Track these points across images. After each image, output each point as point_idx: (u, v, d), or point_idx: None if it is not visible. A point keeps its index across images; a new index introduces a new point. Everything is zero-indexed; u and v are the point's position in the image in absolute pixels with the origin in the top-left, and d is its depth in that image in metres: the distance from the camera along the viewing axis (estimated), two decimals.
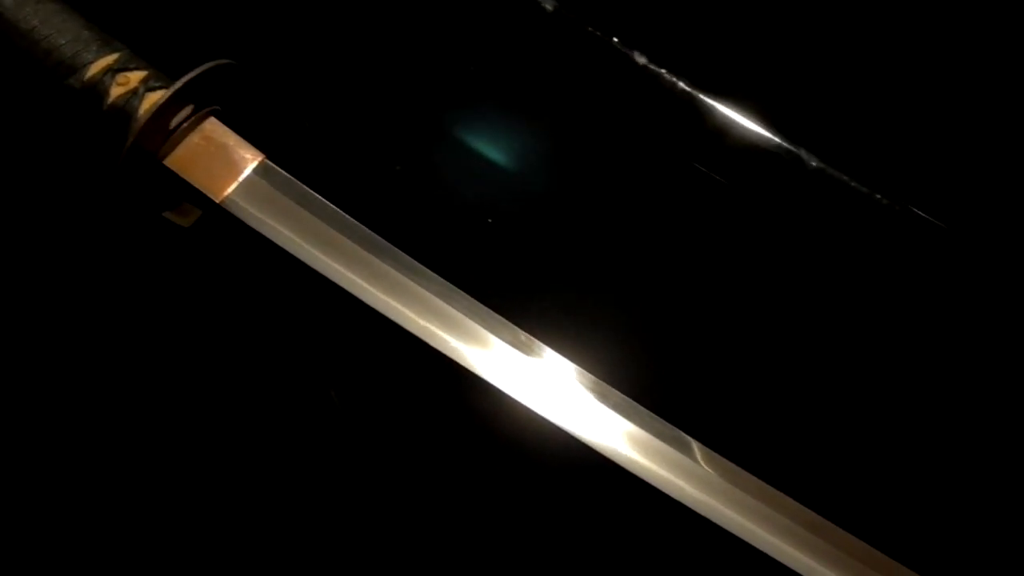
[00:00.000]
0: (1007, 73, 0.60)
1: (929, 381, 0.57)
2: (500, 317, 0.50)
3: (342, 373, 0.54)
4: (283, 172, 0.51)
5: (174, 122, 0.49)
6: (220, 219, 0.50)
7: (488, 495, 0.53)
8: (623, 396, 0.49)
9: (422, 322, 0.49)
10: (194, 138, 0.50)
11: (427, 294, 0.50)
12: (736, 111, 0.58)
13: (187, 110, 0.50)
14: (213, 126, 0.51)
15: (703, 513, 0.47)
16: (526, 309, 0.53)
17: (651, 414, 0.49)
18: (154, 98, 0.49)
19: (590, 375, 0.50)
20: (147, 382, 0.53)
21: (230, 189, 0.50)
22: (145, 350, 0.53)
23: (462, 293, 0.50)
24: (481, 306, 0.50)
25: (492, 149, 0.60)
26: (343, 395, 0.53)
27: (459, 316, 0.49)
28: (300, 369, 0.54)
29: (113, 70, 0.50)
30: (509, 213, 0.58)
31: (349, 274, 0.49)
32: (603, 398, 0.49)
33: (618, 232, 0.59)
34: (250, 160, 0.51)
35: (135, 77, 0.50)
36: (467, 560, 0.52)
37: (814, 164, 0.56)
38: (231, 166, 0.50)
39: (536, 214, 0.58)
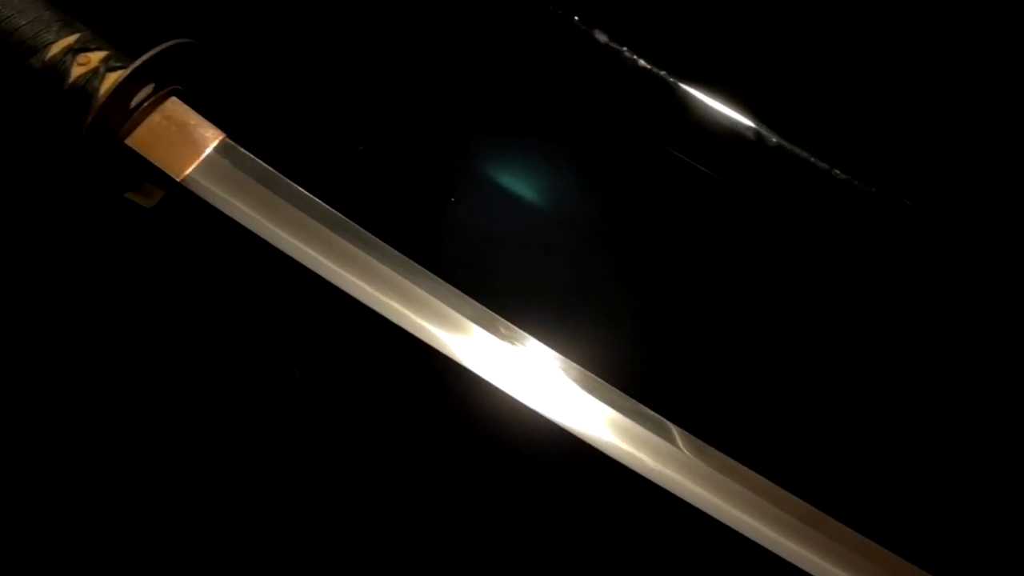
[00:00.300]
0: (967, 51, 0.61)
1: (903, 360, 0.57)
2: (460, 292, 0.50)
3: (305, 351, 0.54)
4: (244, 151, 0.51)
5: (135, 101, 0.49)
6: (183, 199, 0.50)
7: (463, 481, 0.53)
8: (602, 381, 0.50)
9: (382, 297, 0.49)
10: (155, 117, 0.50)
11: (389, 271, 0.50)
12: (697, 89, 0.58)
13: (148, 89, 0.50)
14: (174, 105, 0.51)
15: (684, 497, 0.48)
16: (491, 289, 0.53)
17: (630, 399, 0.50)
18: (114, 77, 0.49)
19: (564, 357, 0.50)
20: (110, 362, 0.53)
21: (191, 168, 0.50)
22: (107, 330, 0.53)
23: (424, 270, 0.50)
24: (439, 280, 0.50)
25: (454, 129, 0.60)
26: (306, 373, 0.53)
27: (421, 293, 0.50)
28: (262, 347, 0.54)
29: (74, 50, 0.50)
30: (472, 192, 0.58)
31: (310, 251, 0.49)
32: (581, 383, 0.49)
33: (579, 211, 0.59)
34: (211, 139, 0.51)
35: (96, 57, 0.50)
36: (443, 548, 0.52)
37: (774, 141, 0.56)
38: (192, 145, 0.50)
39: (500, 194, 0.59)
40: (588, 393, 0.49)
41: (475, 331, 0.50)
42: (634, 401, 0.49)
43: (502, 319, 0.50)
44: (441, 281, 0.50)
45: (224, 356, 0.54)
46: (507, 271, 0.57)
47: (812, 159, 0.56)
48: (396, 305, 0.49)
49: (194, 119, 0.51)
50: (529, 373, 0.49)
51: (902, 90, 0.60)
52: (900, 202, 0.57)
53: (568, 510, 0.53)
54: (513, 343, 0.50)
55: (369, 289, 0.49)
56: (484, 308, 0.50)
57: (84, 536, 0.50)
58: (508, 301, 0.52)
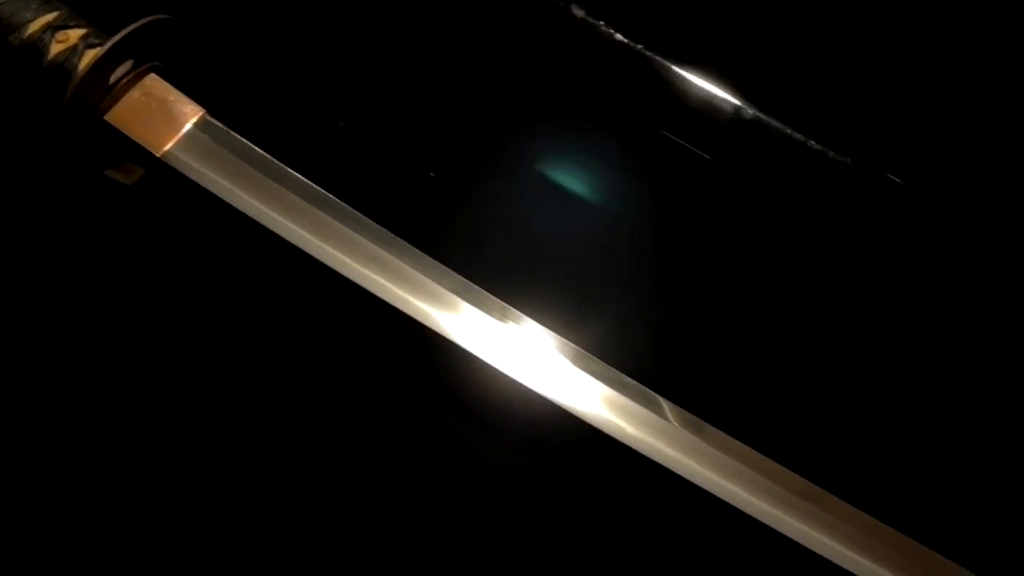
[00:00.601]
0: (948, 28, 0.61)
1: (894, 337, 0.58)
2: (442, 265, 0.50)
3: (287, 326, 0.54)
4: (224, 127, 0.51)
5: (114, 78, 0.50)
6: (162, 176, 0.50)
7: (451, 457, 0.53)
8: (585, 352, 0.50)
9: (364, 270, 0.49)
10: (134, 94, 0.51)
11: (370, 244, 0.50)
12: (673, 62, 0.58)
13: (127, 66, 0.50)
14: (153, 82, 0.51)
15: (675, 470, 0.48)
16: (471, 264, 0.53)
17: (616, 371, 0.50)
18: (93, 54, 0.49)
19: (547, 329, 0.50)
20: (90, 341, 0.53)
21: (171, 144, 0.50)
22: (86, 307, 0.53)
23: (408, 244, 0.51)
24: (423, 254, 0.51)
25: (433, 105, 0.60)
26: (288, 348, 0.54)
27: (404, 266, 0.50)
28: (244, 323, 0.54)
29: (53, 27, 0.50)
30: (452, 167, 0.58)
31: (291, 225, 0.50)
32: (565, 354, 0.50)
33: (555, 182, 0.60)
34: (191, 115, 0.51)
35: (75, 34, 0.50)
36: (429, 525, 0.52)
37: (751, 113, 0.57)
38: (171, 121, 0.50)
39: (479, 170, 0.59)
40: (572, 363, 0.50)
41: (458, 303, 0.50)
42: (621, 374, 0.50)
43: (485, 292, 0.50)
44: (424, 255, 0.51)
45: (205, 332, 0.54)
46: (487, 245, 0.57)
47: (787, 130, 0.56)
48: (378, 278, 0.50)
49: (173, 95, 0.51)
50: (513, 345, 0.49)
51: (885, 64, 0.61)
52: (886, 177, 0.57)
53: (557, 484, 0.53)
54: (494, 313, 0.50)
55: (350, 262, 0.50)
56: (466, 281, 0.51)
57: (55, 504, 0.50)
58: (488, 274, 0.52)
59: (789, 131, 0.56)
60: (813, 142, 0.56)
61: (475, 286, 0.50)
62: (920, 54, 0.61)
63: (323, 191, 0.51)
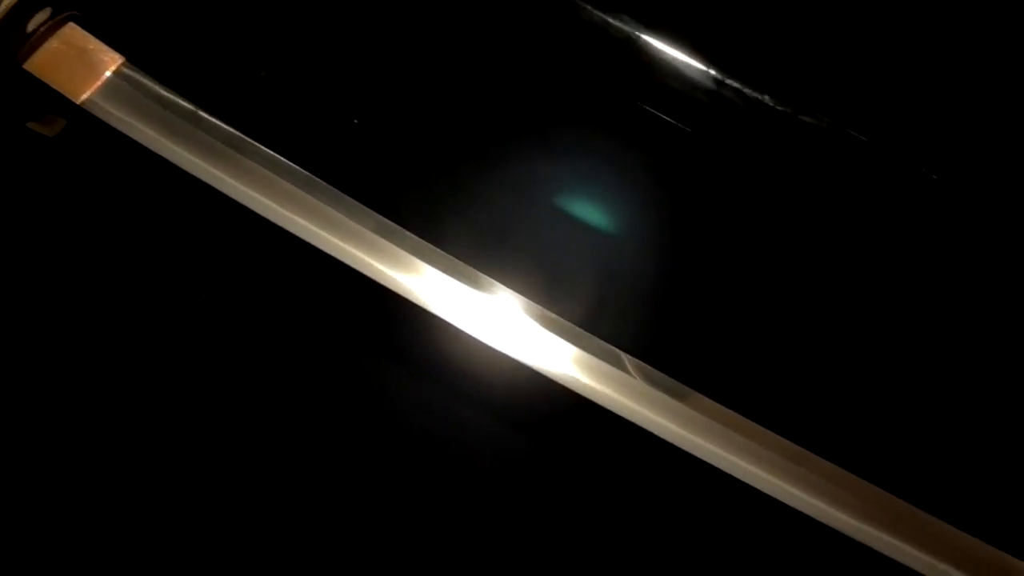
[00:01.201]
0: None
1: (861, 296, 0.58)
2: (365, 207, 0.51)
3: (212, 273, 0.54)
4: (143, 75, 0.51)
5: (32, 26, 0.50)
6: (83, 125, 0.51)
7: (409, 418, 0.53)
8: (551, 313, 0.50)
9: (285, 212, 0.50)
10: (53, 43, 0.51)
11: (289, 185, 0.50)
12: (633, 25, 0.57)
13: (44, 14, 0.50)
14: (72, 31, 0.51)
15: (637, 422, 0.48)
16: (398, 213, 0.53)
17: (580, 330, 0.50)
18: (9, 1, 0.49)
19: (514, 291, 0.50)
20: (19, 294, 0.53)
21: (90, 91, 0.50)
22: (7, 259, 0.53)
23: (325, 184, 0.51)
24: (345, 196, 0.51)
25: (357, 53, 0.60)
26: (213, 295, 0.54)
27: (321, 205, 0.50)
28: (168, 271, 0.54)
29: None
30: (376, 114, 0.59)
31: (213, 170, 0.50)
32: (535, 317, 0.50)
33: (481, 128, 0.60)
34: (110, 63, 0.51)
35: None
36: (394, 490, 0.52)
37: (713, 74, 0.56)
38: (91, 69, 0.51)
39: (407, 119, 0.59)
40: (537, 323, 0.49)
41: (378, 242, 0.50)
42: (583, 331, 0.50)
43: (404, 230, 0.50)
44: (346, 196, 0.51)
45: (131, 281, 0.54)
46: (414, 195, 0.58)
47: (746, 89, 0.56)
48: (300, 220, 0.50)
49: (92, 44, 0.51)
50: (478, 306, 0.49)
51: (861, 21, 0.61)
52: (849, 135, 0.57)
53: (526, 444, 0.53)
54: (454, 273, 0.50)
55: (272, 204, 0.50)
56: (387, 220, 0.51)
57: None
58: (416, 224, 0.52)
59: (746, 90, 0.56)
60: (761, 95, 0.56)
61: (395, 225, 0.50)
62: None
63: (246, 137, 0.51)
